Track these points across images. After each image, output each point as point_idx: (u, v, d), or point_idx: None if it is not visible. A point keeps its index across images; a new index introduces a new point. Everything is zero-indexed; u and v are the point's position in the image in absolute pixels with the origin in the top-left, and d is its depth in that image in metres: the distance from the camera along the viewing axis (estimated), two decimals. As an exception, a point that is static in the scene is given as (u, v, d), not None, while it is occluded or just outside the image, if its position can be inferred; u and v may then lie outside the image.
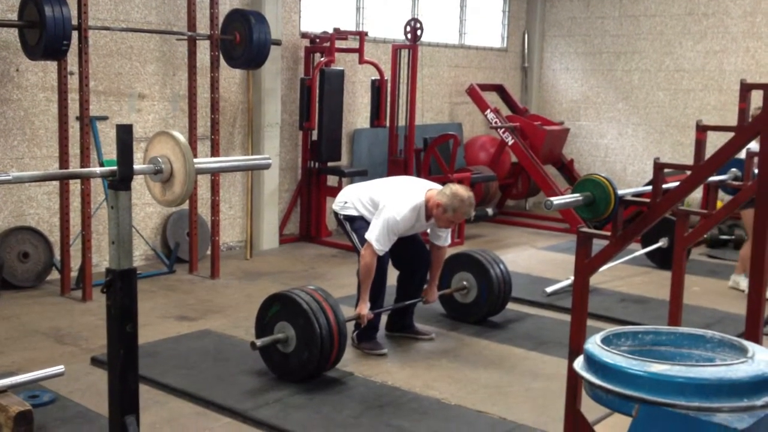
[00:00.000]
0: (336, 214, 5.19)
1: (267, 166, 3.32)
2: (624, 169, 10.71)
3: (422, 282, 5.32)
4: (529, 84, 11.50)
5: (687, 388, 2.16)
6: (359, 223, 5.00)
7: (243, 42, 6.79)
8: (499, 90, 10.51)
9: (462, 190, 4.84)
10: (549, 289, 6.41)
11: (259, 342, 4.42)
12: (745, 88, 3.62)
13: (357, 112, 9.03)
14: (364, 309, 4.87)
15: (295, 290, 4.55)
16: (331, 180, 8.43)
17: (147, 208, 7.13)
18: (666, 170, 3.45)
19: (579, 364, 2.47)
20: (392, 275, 5.32)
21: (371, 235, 4.80)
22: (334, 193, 8.31)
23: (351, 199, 5.11)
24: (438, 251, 5.25)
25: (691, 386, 2.16)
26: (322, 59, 8.05)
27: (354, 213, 5.06)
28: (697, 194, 8.27)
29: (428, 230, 5.18)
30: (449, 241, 5.28)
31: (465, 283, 5.62)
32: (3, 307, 5.79)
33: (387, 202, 4.87)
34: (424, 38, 8.93)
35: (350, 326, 4.88)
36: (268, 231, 8.01)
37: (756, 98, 3.99)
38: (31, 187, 6.34)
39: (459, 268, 5.66)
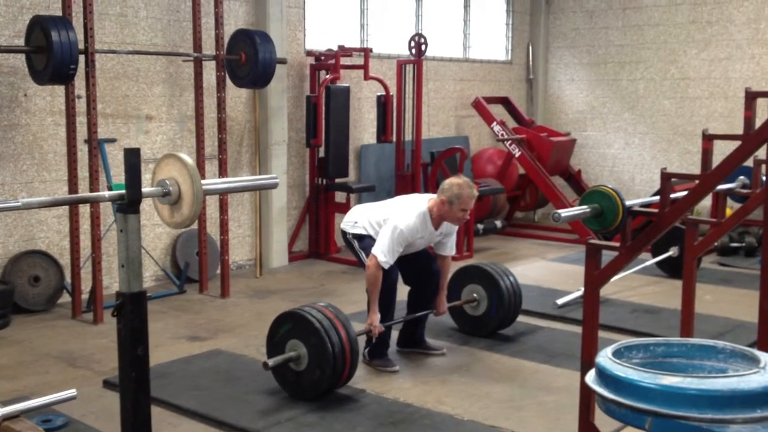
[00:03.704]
0: (344, 233, 5.20)
1: (274, 186, 3.34)
2: (632, 179, 10.69)
3: (433, 296, 5.32)
4: (535, 96, 11.51)
5: (700, 400, 2.15)
6: (367, 242, 5.01)
7: (248, 61, 6.83)
8: (505, 102, 10.52)
9: (454, 179, 4.90)
10: (560, 301, 6.39)
11: (271, 362, 4.41)
12: (750, 96, 3.62)
13: (363, 128, 9.06)
14: (376, 320, 4.87)
15: (305, 308, 4.54)
16: (339, 196, 8.45)
17: (156, 229, 7.16)
18: (674, 179, 3.45)
19: (591, 377, 2.46)
20: (403, 291, 5.32)
21: (377, 247, 4.82)
22: (343, 210, 8.36)
23: (360, 219, 5.13)
24: (443, 261, 5.26)
25: (703, 398, 2.15)
26: (327, 76, 8.08)
27: (363, 232, 5.07)
28: (707, 202, 8.25)
29: (432, 243, 5.18)
30: (454, 250, 5.30)
31: (475, 295, 5.61)
32: (15, 331, 5.81)
33: (392, 216, 4.89)
34: (429, 53, 8.96)
35: (361, 343, 4.88)
36: (277, 249, 8.02)
37: (762, 105, 3.99)
38: (41, 210, 6.37)
39: (468, 280, 5.65)
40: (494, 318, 5.58)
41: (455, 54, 10.44)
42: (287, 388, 4.52)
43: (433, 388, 4.72)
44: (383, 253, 4.78)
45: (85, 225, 6.28)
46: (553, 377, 4.90)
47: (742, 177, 5.63)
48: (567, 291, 6.67)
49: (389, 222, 4.86)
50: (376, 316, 4.87)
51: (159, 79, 7.12)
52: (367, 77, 8.33)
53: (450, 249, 5.23)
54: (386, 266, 4.80)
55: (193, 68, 6.87)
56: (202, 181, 2.86)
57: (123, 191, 2.79)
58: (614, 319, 5.97)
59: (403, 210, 4.93)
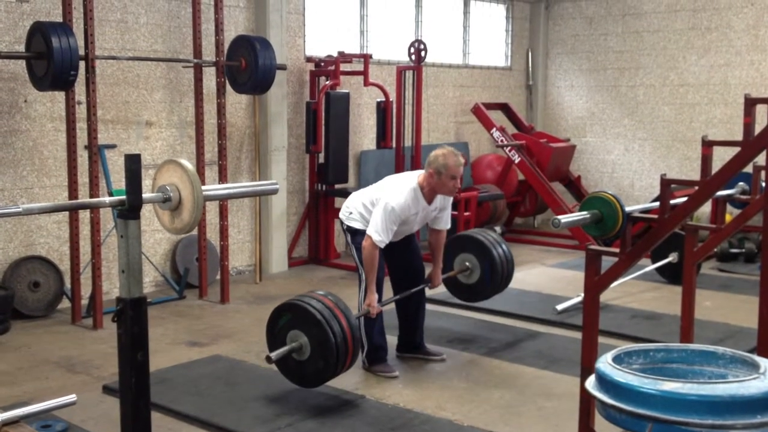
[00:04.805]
0: (341, 221, 5.23)
1: (274, 192, 3.34)
2: (632, 185, 10.70)
3: (421, 298, 5.33)
4: (534, 102, 11.53)
5: (700, 406, 2.15)
6: (360, 239, 4.98)
7: (248, 67, 6.84)
8: (505, 108, 10.53)
9: (439, 150, 4.91)
10: (559, 307, 6.39)
11: (273, 355, 4.37)
12: (750, 103, 3.63)
13: (363, 134, 9.07)
14: (374, 301, 4.88)
15: (304, 298, 4.47)
16: (339, 202, 8.43)
17: (156, 235, 7.16)
18: (673, 185, 3.46)
19: (591, 383, 2.46)
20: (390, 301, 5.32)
21: (371, 228, 4.83)
22: (339, 218, 8.37)
23: (354, 207, 5.12)
24: (438, 234, 5.27)
25: (703, 404, 2.15)
26: (327, 83, 8.09)
27: (357, 225, 5.06)
28: (706, 208, 8.26)
29: (429, 220, 5.19)
30: (449, 224, 5.29)
31: (467, 264, 5.63)
32: (14, 337, 5.81)
33: (383, 196, 4.90)
34: (428, 59, 8.97)
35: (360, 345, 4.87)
36: (277, 254, 8.02)
37: (761, 112, 4.00)
38: (41, 216, 6.37)
39: (460, 249, 5.67)
40: (488, 285, 5.62)
41: (455, 60, 10.46)
42: (292, 378, 4.49)
43: (432, 394, 4.71)
44: (377, 233, 4.79)
45: (84, 231, 6.27)
46: (553, 383, 4.89)
47: (741, 183, 5.64)
48: (567, 297, 6.67)
49: (380, 201, 4.86)
50: (374, 297, 4.89)
51: (159, 85, 7.13)
52: (366, 83, 8.34)
53: (445, 223, 5.24)
54: (381, 245, 4.81)
55: (193, 74, 6.88)
56: (203, 187, 2.86)
57: (124, 197, 2.79)
58: (614, 324, 5.96)
59: (393, 188, 4.93)
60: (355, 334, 4.42)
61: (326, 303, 4.42)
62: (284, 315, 4.47)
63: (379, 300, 5.00)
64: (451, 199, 5.16)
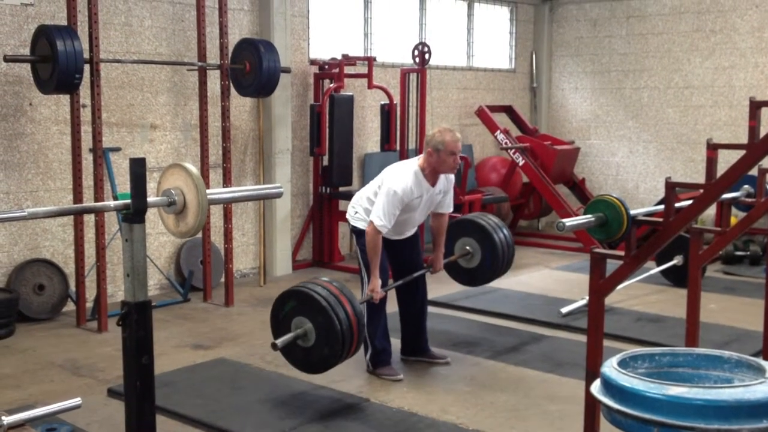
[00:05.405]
0: (348, 222, 5.24)
1: (279, 195, 3.35)
2: (636, 187, 10.68)
3: (423, 305, 5.33)
4: (539, 104, 11.51)
5: (706, 411, 2.15)
6: (365, 239, 4.98)
7: (253, 70, 6.85)
8: (509, 111, 10.53)
9: (435, 129, 4.93)
10: (564, 310, 6.38)
11: (279, 342, 4.34)
12: (755, 106, 3.61)
13: (367, 137, 9.07)
14: (377, 286, 4.88)
15: (309, 285, 4.44)
16: (343, 205, 8.43)
17: (161, 237, 7.17)
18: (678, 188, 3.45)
19: (596, 387, 2.46)
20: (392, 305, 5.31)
21: (373, 213, 4.83)
22: (346, 219, 8.36)
23: (361, 204, 5.11)
24: (440, 218, 5.27)
25: (709, 408, 2.15)
26: (331, 85, 8.10)
27: (362, 226, 5.04)
28: (711, 211, 8.24)
29: (434, 205, 5.17)
30: (452, 208, 5.28)
31: (468, 248, 5.59)
32: (19, 339, 5.81)
33: (384, 182, 4.89)
34: (432, 61, 8.97)
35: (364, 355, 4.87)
36: (281, 257, 8.03)
37: (766, 114, 3.99)
38: (46, 219, 6.38)
39: (460, 233, 5.63)
40: (488, 269, 5.57)
41: (459, 62, 10.46)
42: (296, 364, 4.46)
43: (437, 397, 4.71)
44: (379, 217, 4.78)
45: (89, 234, 6.28)
46: (558, 386, 4.88)
47: (746, 186, 5.63)
48: (571, 300, 6.66)
49: (383, 187, 4.86)
50: (378, 282, 4.88)
51: (164, 88, 7.14)
52: (370, 86, 8.34)
53: (447, 206, 5.23)
54: (384, 230, 4.80)
55: (198, 77, 6.89)
56: (207, 191, 2.86)
57: (129, 201, 2.80)
58: (619, 327, 5.96)
59: (395, 174, 4.92)
60: (360, 321, 4.40)
61: (331, 289, 4.39)
62: (289, 302, 4.43)
63: (383, 286, 4.99)
64: (453, 182, 5.17)
